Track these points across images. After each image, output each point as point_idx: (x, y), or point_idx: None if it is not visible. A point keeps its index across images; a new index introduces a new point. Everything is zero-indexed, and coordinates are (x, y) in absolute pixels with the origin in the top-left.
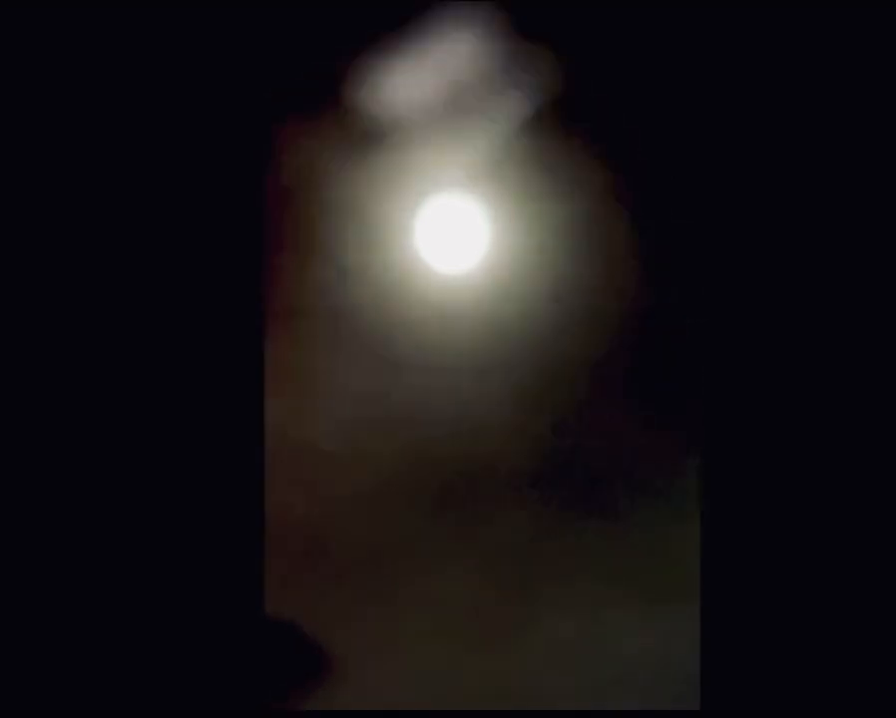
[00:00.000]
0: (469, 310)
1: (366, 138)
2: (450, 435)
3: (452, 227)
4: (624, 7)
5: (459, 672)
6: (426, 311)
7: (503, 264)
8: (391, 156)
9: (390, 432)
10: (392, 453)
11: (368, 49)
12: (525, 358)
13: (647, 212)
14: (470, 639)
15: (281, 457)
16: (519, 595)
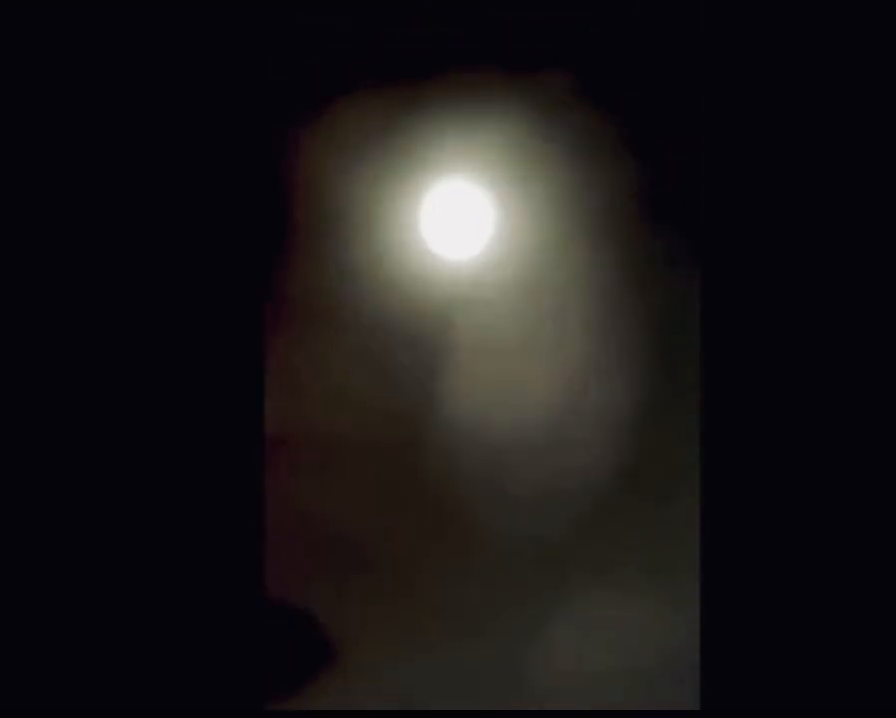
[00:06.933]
0: (474, 296)
1: (372, 125)
2: (455, 422)
3: (458, 214)
4: None
5: (461, 664)
6: (431, 297)
7: (509, 251)
8: (397, 143)
9: (394, 419)
10: (396, 442)
11: (372, 40)
12: (531, 346)
13: (653, 202)
14: (471, 630)
15: (283, 449)
16: (523, 588)
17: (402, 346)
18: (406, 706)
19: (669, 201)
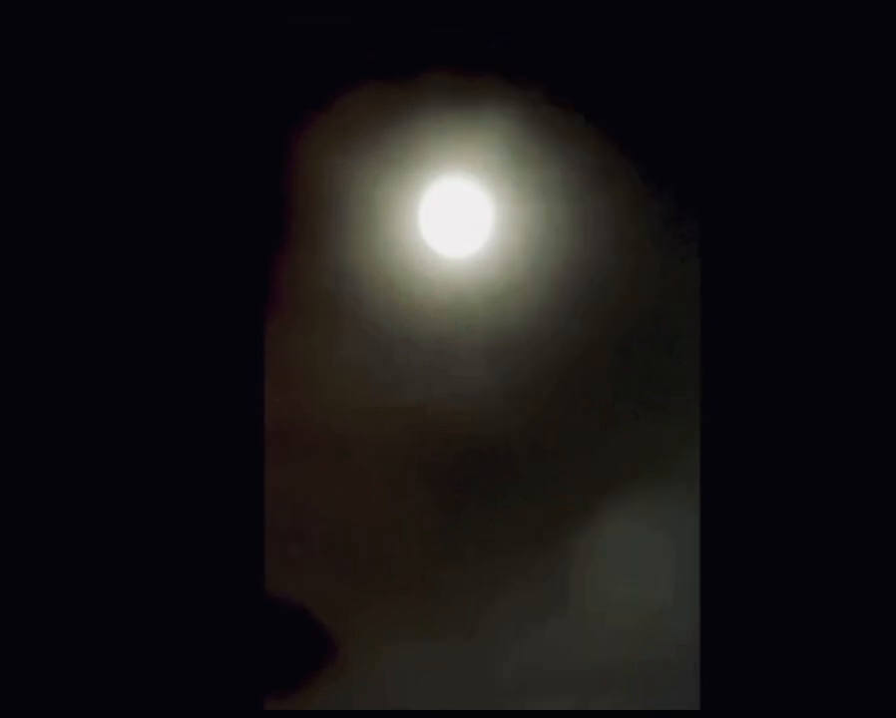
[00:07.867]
0: (474, 294)
1: (372, 125)
2: (455, 419)
3: (457, 211)
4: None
5: (459, 660)
6: (431, 295)
7: (508, 248)
8: (397, 142)
9: (394, 416)
10: (396, 437)
11: (372, 40)
12: (529, 342)
13: (652, 200)
14: (471, 625)
15: (283, 448)
16: (524, 587)
17: (401, 345)
18: (406, 706)
19: (668, 196)
